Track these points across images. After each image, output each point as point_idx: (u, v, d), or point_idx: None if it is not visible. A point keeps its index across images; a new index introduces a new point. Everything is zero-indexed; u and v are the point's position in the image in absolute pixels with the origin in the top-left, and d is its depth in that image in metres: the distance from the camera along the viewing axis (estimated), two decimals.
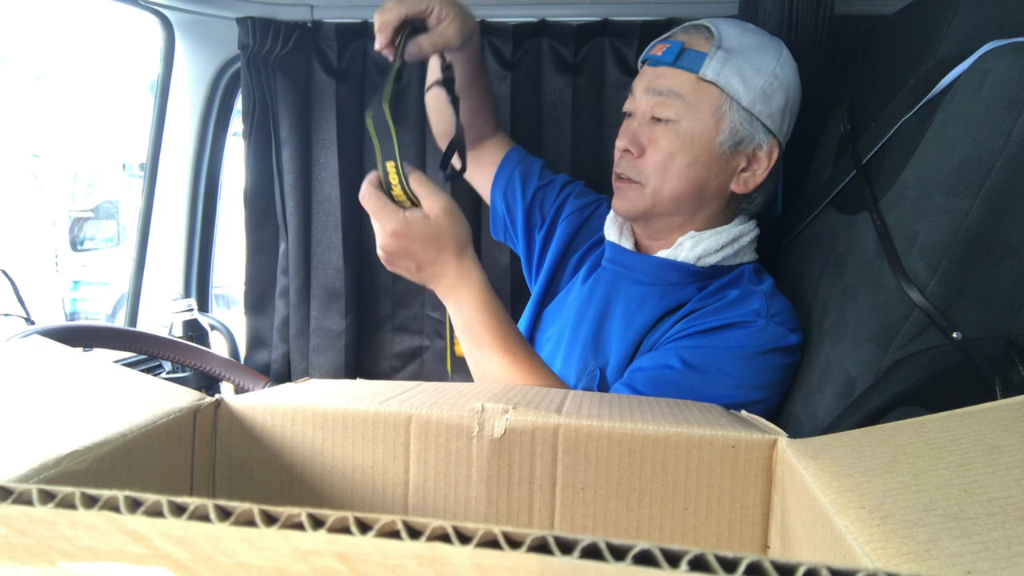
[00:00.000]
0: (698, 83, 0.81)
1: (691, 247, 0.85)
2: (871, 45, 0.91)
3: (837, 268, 0.77)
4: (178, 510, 0.17)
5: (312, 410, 0.48)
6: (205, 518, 0.17)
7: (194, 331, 1.24)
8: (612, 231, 0.93)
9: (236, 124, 1.33)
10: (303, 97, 1.22)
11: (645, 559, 0.15)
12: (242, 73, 1.20)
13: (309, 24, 1.20)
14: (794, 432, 0.44)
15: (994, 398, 0.58)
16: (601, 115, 1.17)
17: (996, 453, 0.31)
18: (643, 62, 0.87)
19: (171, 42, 1.26)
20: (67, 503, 0.18)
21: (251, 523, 0.17)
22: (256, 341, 1.34)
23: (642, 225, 0.91)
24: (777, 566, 0.15)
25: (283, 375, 1.32)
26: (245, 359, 1.34)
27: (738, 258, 0.87)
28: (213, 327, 1.30)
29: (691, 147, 0.82)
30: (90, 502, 0.18)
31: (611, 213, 0.93)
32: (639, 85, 0.86)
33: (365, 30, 1.20)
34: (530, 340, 1.00)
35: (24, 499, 0.18)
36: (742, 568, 0.15)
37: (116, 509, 0.18)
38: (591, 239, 1.00)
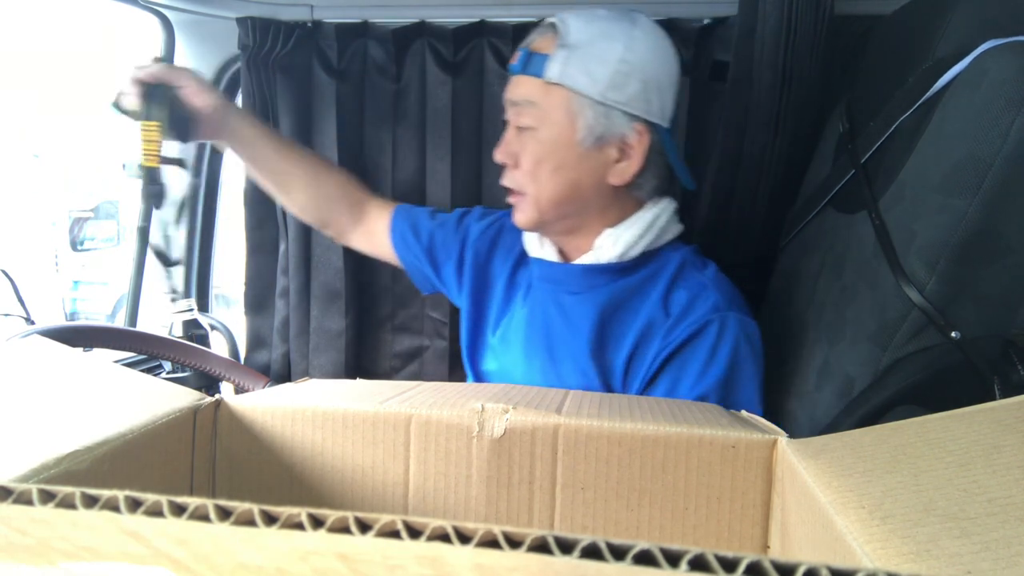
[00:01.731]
0: (545, 87, 0.80)
1: (611, 245, 0.84)
2: (870, 44, 0.91)
3: (835, 267, 0.77)
4: (178, 510, 0.17)
5: (312, 410, 0.48)
6: (205, 518, 0.17)
7: (194, 331, 1.24)
8: (533, 246, 0.92)
9: None
10: (303, 97, 1.22)
11: (645, 559, 0.15)
12: (242, 73, 1.20)
13: (309, 24, 1.20)
14: (792, 431, 0.44)
15: (993, 398, 0.58)
16: None
17: (996, 453, 0.31)
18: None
19: (171, 42, 1.26)
20: (67, 503, 0.18)
21: (251, 523, 0.17)
22: (256, 341, 1.34)
23: (545, 233, 0.90)
24: (777, 566, 0.15)
25: (283, 375, 1.31)
26: (245, 359, 1.34)
27: (663, 238, 0.86)
28: (213, 327, 1.30)
29: (554, 152, 0.82)
30: (90, 502, 0.18)
31: None
32: (507, 93, 0.86)
33: (365, 30, 1.20)
34: (478, 375, 0.98)
35: (24, 499, 0.18)
36: (742, 568, 0.15)
37: (116, 509, 0.18)
38: (511, 257, 0.97)
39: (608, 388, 0.83)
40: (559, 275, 0.88)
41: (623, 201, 0.86)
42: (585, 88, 0.79)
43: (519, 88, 0.83)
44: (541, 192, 0.83)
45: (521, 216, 0.87)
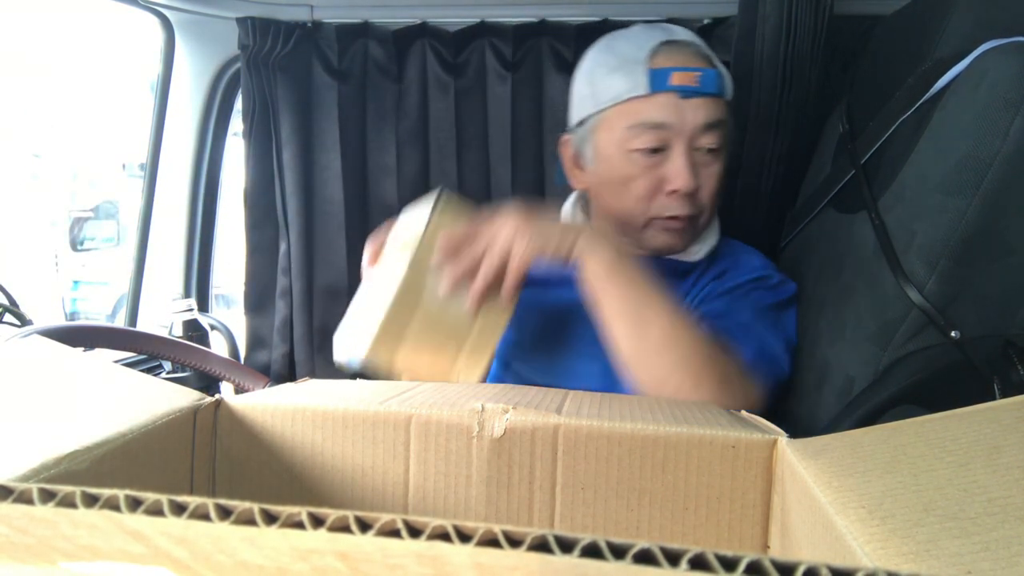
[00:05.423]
0: (727, 106, 0.82)
1: (696, 253, 0.87)
2: (870, 45, 0.91)
3: (835, 267, 0.77)
4: (178, 509, 0.18)
5: (312, 410, 0.48)
6: (205, 517, 0.17)
7: (194, 331, 1.24)
8: None
9: (236, 124, 1.33)
10: (303, 97, 1.22)
11: (645, 558, 0.15)
12: (242, 73, 1.20)
13: (309, 24, 1.20)
14: (792, 431, 0.44)
15: (992, 397, 0.58)
16: None
17: (996, 453, 0.31)
18: (653, 92, 0.78)
19: (171, 42, 1.26)
20: (68, 502, 0.18)
21: (251, 522, 0.17)
22: (256, 341, 1.34)
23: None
24: (777, 565, 0.15)
25: (283, 375, 1.32)
26: (245, 359, 1.34)
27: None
28: (213, 327, 1.30)
29: (722, 170, 0.83)
30: (91, 501, 0.18)
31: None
32: (679, 118, 0.78)
33: (365, 30, 1.20)
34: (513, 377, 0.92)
35: (25, 498, 0.18)
36: (742, 567, 0.15)
37: (117, 508, 0.18)
38: None
39: None
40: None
41: None
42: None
43: (713, 110, 0.79)
44: (712, 214, 0.85)
45: (685, 240, 0.84)
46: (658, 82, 0.79)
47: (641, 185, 0.81)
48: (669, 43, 0.80)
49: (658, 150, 0.80)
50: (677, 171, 0.79)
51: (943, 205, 0.59)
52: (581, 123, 0.86)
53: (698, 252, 0.87)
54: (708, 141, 0.79)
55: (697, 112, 0.79)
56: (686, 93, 0.78)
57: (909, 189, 0.65)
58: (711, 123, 0.79)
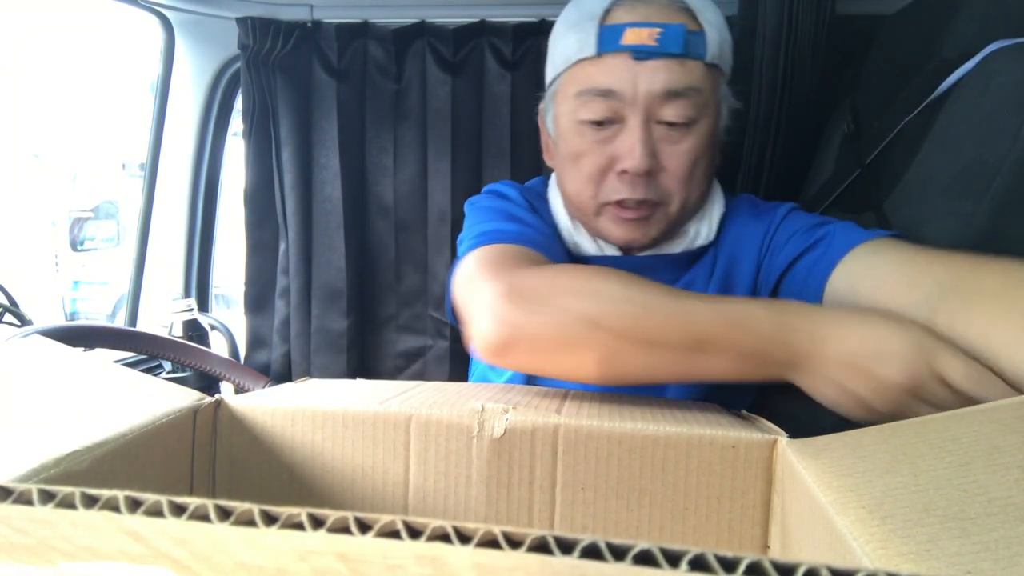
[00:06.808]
0: (706, 70, 0.67)
1: (706, 234, 0.75)
2: (875, 43, 0.91)
3: None
4: (178, 510, 0.17)
5: (312, 410, 0.48)
6: (205, 518, 0.17)
7: (194, 331, 1.24)
8: (587, 243, 0.76)
9: (236, 124, 1.33)
10: (303, 97, 1.23)
11: (645, 559, 0.15)
12: (242, 73, 1.21)
13: (309, 24, 1.20)
14: (792, 431, 0.44)
15: None
16: None
17: (996, 453, 0.31)
18: (602, 53, 0.66)
19: (171, 42, 1.26)
20: (67, 503, 0.18)
21: (251, 523, 0.17)
22: (256, 341, 1.34)
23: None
24: (777, 566, 0.15)
25: (283, 375, 1.32)
26: (245, 359, 1.34)
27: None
28: (213, 327, 1.30)
29: (707, 147, 0.69)
30: (90, 502, 0.18)
31: (574, 230, 0.76)
32: (631, 84, 0.66)
33: (365, 30, 1.20)
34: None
35: (24, 499, 0.18)
36: (742, 568, 0.15)
37: (116, 509, 0.18)
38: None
39: None
40: (655, 266, 0.75)
41: None
42: (726, 67, 0.70)
43: (678, 74, 0.65)
44: (687, 199, 0.70)
45: (652, 231, 0.71)
46: (607, 41, 0.66)
47: (590, 163, 0.69)
48: (655, 3, 0.67)
49: (610, 122, 0.68)
50: (627, 148, 0.67)
51: (950, 209, 0.59)
52: (547, 90, 0.76)
53: (702, 238, 0.75)
54: (671, 113, 0.66)
55: (654, 77, 0.65)
56: (640, 54, 0.65)
57: (915, 191, 0.65)
58: (673, 90, 0.66)
